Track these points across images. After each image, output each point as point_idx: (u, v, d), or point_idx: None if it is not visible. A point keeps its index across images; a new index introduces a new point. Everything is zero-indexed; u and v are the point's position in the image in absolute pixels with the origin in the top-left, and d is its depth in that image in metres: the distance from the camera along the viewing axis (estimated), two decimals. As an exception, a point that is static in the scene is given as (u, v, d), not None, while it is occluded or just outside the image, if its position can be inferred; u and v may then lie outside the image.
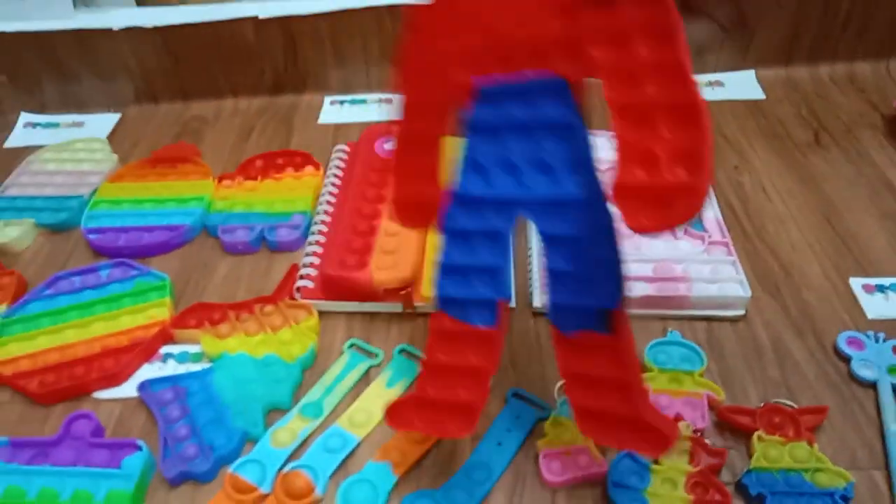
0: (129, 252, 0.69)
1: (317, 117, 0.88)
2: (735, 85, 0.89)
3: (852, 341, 0.57)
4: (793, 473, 0.49)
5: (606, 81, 0.36)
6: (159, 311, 0.62)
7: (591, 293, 0.38)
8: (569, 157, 0.38)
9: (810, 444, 0.50)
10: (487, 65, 0.39)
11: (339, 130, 0.86)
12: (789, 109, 0.85)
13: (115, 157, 0.81)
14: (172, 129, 0.89)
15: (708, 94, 0.88)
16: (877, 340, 0.57)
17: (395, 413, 0.47)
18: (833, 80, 0.89)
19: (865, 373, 0.55)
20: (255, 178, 0.75)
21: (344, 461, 0.52)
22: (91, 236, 0.70)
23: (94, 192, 0.76)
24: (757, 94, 0.88)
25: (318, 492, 0.50)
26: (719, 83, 0.89)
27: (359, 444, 0.53)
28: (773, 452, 0.50)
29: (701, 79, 0.90)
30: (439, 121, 0.42)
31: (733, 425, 0.52)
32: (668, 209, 0.34)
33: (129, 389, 0.58)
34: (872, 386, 0.55)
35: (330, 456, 0.52)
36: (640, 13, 0.35)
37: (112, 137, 0.88)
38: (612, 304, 0.39)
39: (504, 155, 0.40)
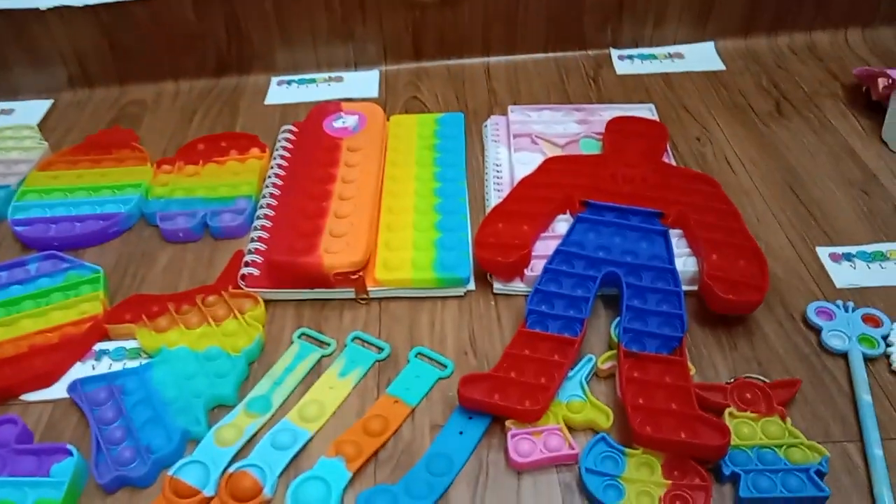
0: (59, 244, 0.64)
1: (263, 98, 0.84)
2: (695, 57, 0.87)
3: (822, 311, 0.56)
4: (766, 450, 0.47)
5: (697, 227, 0.59)
6: (92, 306, 0.58)
7: (667, 326, 0.53)
8: (650, 249, 0.58)
9: (783, 418, 0.48)
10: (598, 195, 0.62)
11: (287, 111, 0.81)
12: (750, 80, 0.83)
13: (45, 144, 0.76)
14: (109, 114, 0.83)
15: (668, 65, 0.86)
16: (846, 310, 0.56)
17: (469, 388, 0.49)
18: (792, 50, 0.88)
19: (836, 343, 0.53)
20: (196, 163, 0.71)
21: (294, 458, 0.48)
22: (18, 228, 0.65)
23: (23, 181, 0.71)
24: (717, 65, 0.86)
25: (266, 492, 0.46)
26: (679, 55, 0.87)
27: (310, 440, 0.49)
28: (745, 430, 0.48)
29: (660, 51, 0.88)
30: (551, 212, 0.62)
31: (704, 403, 0.49)
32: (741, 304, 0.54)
33: (60, 390, 0.53)
34: (843, 356, 0.53)
35: (279, 453, 0.48)
36: (706, 198, 0.62)
37: (43, 124, 0.82)
38: (680, 333, 0.52)
39: (599, 240, 0.59)
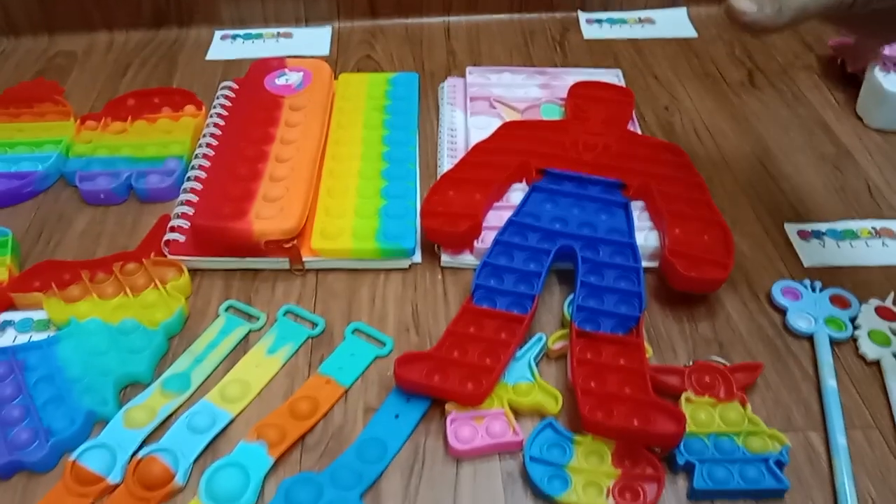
0: (-33, 204, 0.58)
1: (205, 54, 0.78)
2: (666, 23, 0.83)
3: (788, 291, 0.52)
4: (724, 438, 0.43)
5: (660, 199, 0.55)
6: (-3, 273, 0.52)
7: (624, 304, 0.49)
8: (609, 222, 0.54)
9: (742, 404, 0.45)
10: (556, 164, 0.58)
11: (229, 67, 0.76)
12: (722, 49, 0.79)
13: (-39, 97, 0.69)
14: (35, 66, 0.77)
15: (638, 31, 0.81)
16: (814, 290, 0.53)
17: (406, 368, 0.45)
18: (767, 19, 0.84)
19: (801, 324, 0.50)
20: (125, 120, 0.65)
21: (212, 442, 0.44)
22: (-79, 187, 0.59)
23: (-71, 136, 0.64)
24: (689, 32, 0.82)
25: (178, 480, 0.42)
26: (650, 20, 0.83)
27: (231, 422, 0.45)
28: (702, 416, 0.44)
29: (630, 15, 0.84)
30: (506, 180, 0.58)
31: (660, 387, 0.46)
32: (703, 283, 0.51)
33: (-46, 365, 0.48)
34: (809, 339, 0.50)
35: (195, 437, 0.44)
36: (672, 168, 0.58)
37: (-37, 76, 0.75)
38: (637, 312, 0.48)
39: (555, 211, 0.55)
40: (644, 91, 0.73)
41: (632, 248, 0.52)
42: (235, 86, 0.67)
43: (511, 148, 0.59)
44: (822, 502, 0.42)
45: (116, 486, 0.42)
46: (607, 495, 0.41)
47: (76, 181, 0.60)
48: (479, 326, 0.47)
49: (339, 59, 0.77)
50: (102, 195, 0.59)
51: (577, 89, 0.66)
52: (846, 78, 0.74)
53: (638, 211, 0.56)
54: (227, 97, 0.66)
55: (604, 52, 0.79)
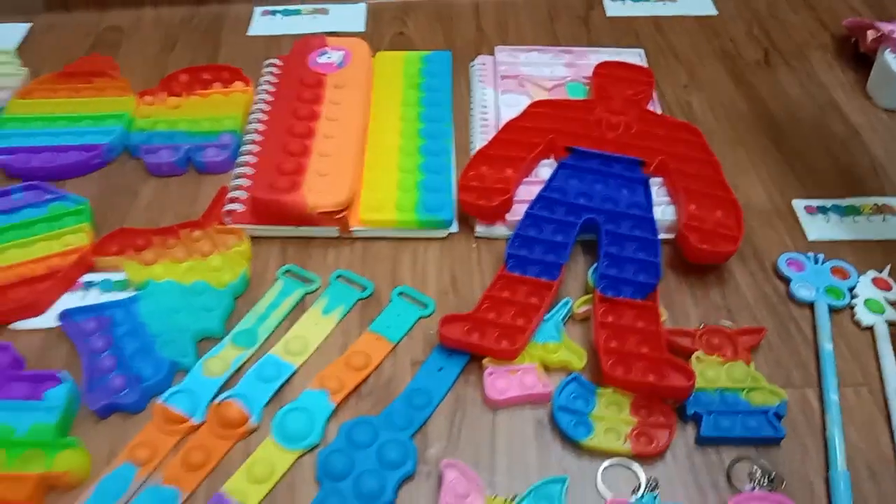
0: (42, 174, 0.63)
1: (246, 29, 0.82)
2: (688, 0, 0.86)
3: (792, 262, 0.58)
4: (729, 392, 0.49)
5: (677, 176, 0.60)
6: (77, 238, 0.58)
7: (643, 273, 0.54)
8: (630, 197, 0.59)
9: (747, 363, 0.51)
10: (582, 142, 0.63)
11: (270, 43, 0.80)
12: (741, 27, 0.83)
13: (24, 70, 0.74)
14: (86, 40, 0.81)
15: (659, 8, 0.85)
16: (816, 262, 0.58)
17: (448, 328, 0.50)
18: (785, -4, 0.87)
19: (804, 293, 0.55)
20: (179, 95, 0.70)
21: (279, 390, 0.50)
22: (0, 157, 0.64)
23: (2, 109, 0.70)
24: (709, 10, 0.85)
25: (252, 420, 0.48)
26: (671, -3, 0.86)
27: (294, 373, 0.51)
28: (710, 373, 0.50)
29: (653, -7, 0.87)
30: (535, 157, 0.63)
31: (674, 347, 0.52)
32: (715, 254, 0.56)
33: (48, 320, 0.54)
34: (810, 306, 0.55)
35: (264, 385, 0.50)
36: (688, 147, 0.63)
37: (21, 49, 0.80)
38: (654, 280, 0.54)
39: (581, 186, 0.60)
40: (664, 69, 0.77)
41: (650, 221, 0.57)
42: (280, 63, 0.72)
43: (540, 126, 0.64)
44: (814, 450, 0.48)
45: (199, 425, 0.48)
46: (625, 440, 0.47)
47: (140, 154, 0.65)
48: (513, 291, 0.53)
49: (374, 36, 0.81)
50: (165, 167, 0.64)
51: (601, 69, 0.70)
52: (858, 57, 0.77)
53: (656, 187, 0.61)
54: (272, 74, 0.71)
55: (626, 30, 0.82)
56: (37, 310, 0.55)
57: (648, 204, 0.59)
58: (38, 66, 0.77)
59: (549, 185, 0.60)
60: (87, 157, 0.65)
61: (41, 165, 0.64)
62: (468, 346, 0.51)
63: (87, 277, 0.57)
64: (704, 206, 0.58)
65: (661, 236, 0.57)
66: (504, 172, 0.60)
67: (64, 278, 0.56)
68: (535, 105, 0.66)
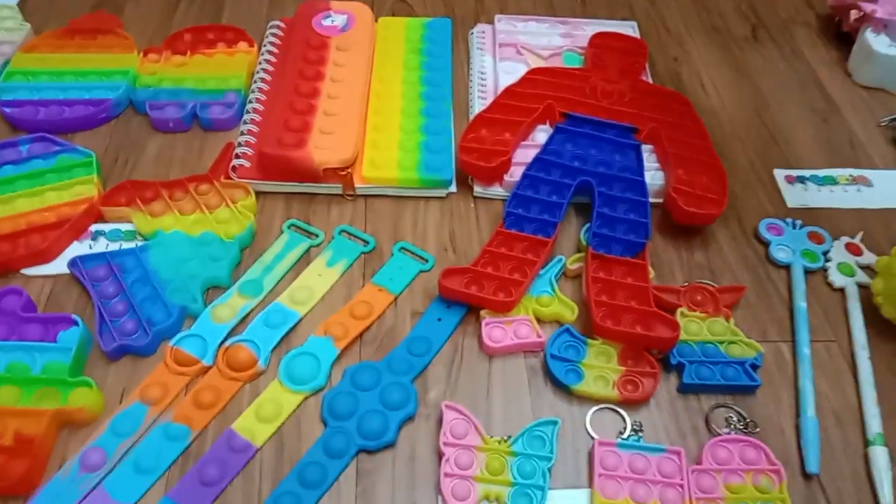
0: (49, 127, 0.65)
1: (250, -10, 0.83)
2: (680, -24, 0.88)
3: (772, 227, 0.61)
4: (710, 345, 0.53)
5: (667, 143, 0.63)
6: (86, 189, 0.60)
7: (633, 232, 0.57)
8: (623, 161, 0.62)
9: (727, 319, 0.54)
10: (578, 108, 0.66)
11: (273, 5, 0.81)
12: (730, 3, 0.85)
13: (27, 25, 0.75)
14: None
15: (652, -16, 0.87)
16: (794, 227, 0.61)
17: (449, 280, 0.53)
18: (775, -26, 0.89)
19: (781, 256, 0.59)
20: (183, 53, 0.71)
21: (285, 336, 0.53)
22: (7, 109, 0.65)
23: (7, 62, 0.70)
24: (701, -15, 0.87)
25: (260, 364, 0.51)
26: (664, -27, 0.88)
27: (300, 321, 0.54)
28: (693, 327, 0.53)
29: (646, -32, 0.89)
30: (533, 122, 0.65)
31: (660, 303, 0.55)
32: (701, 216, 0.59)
33: (59, 266, 0.56)
34: (787, 268, 0.59)
35: (271, 331, 0.53)
36: (678, 116, 0.66)
37: (23, 5, 0.80)
38: (643, 240, 0.57)
39: (576, 150, 0.62)
40: (656, 42, 0.79)
41: (641, 184, 0.60)
42: (283, 25, 0.73)
43: (537, 93, 0.66)
44: (787, 398, 0.51)
45: (209, 368, 0.51)
46: (613, 387, 0.50)
47: (146, 109, 0.66)
48: (510, 247, 0.56)
49: (377, 2, 0.82)
50: (171, 123, 0.66)
51: (597, 39, 0.73)
52: (840, 36, 0.80)
53: (647, 153, 0.64)
54: (276, 36, 0.72)
55: (621, 2, 0.84)
56: (48, 256, 0.56)
57: (640, 168, 0.61)
58: (40, 22, 0.77)
59: (546, 148, 0.62)
60: (94, 111, 0.66)
61: (49, 118, 0.65)
62: (467, 297, 0.53)
63: (95, 227, 0.59)
64: (692, 171, 0.61)
65: (651, 200, 0.60)
66: (502, 135, 0.62)
67: (74, 226, 0.57)
68: (533, 72, 0.69)
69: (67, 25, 0.74)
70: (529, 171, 0.60)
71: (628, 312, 0.52)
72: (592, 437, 0.48)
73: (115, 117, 0.68)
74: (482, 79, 0.71)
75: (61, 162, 0.62)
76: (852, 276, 0.58)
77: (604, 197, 0.59)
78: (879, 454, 0.48)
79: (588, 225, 0.58)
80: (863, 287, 0.57)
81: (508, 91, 0.66)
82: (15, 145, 0.63)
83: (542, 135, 0.65)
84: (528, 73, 0.68)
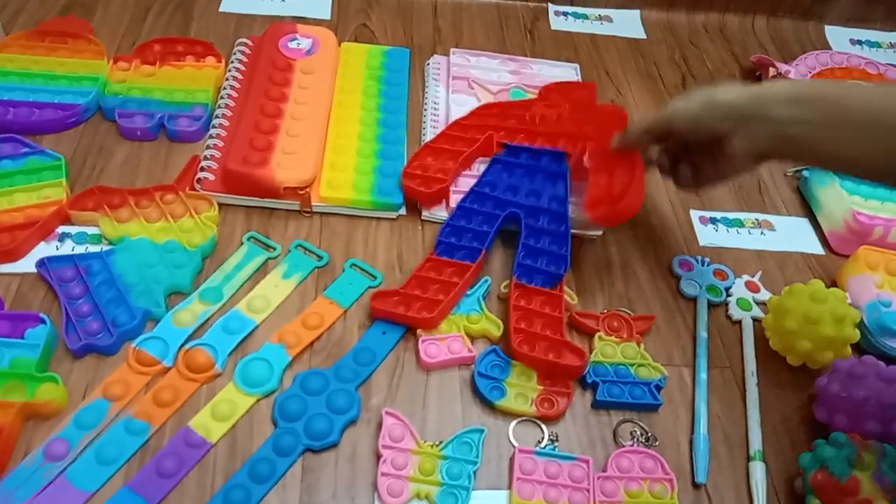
0: (19, 128, 0.67)
1: (218, 4, 0.87)
2: (622, 22, 0.96)
3: (683, 263, 0.69)
4: (622, 367, 0.60)
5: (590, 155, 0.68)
6: (54, 192, 0.63)
7: (553, 264, 0.62)
8: (552, 191, 0.67)
9: (638, 344, 0.61)
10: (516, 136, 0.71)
11: (241, 22, 0.85)
12: (664, 52, 0.93)
13: (-4, 23, 0.77)
14: (59, 1, 0.84)
15: (597, 27, 0.94)
16: (702, 264, 0.69)
17: (378, 301, 0.59)
18: (706, 28, 0.98)
19: (689, 290, 0.67)
20: (153, 64, 0.74)
21: (242, 342, 0.57)
22: (-25, 108, 0.68)
23: (-26, 61, 0.72)
24: (640, 33, 0.95)
25: (218, 367, 0.55)
26: (608, 18, 0.96)
27: (256, 328, 0.58)
28: (608, 350, 0.60)
29: (592, 12, 0.96)
30: (474, 152, 0.71)
31: (581, 327, 0.62)
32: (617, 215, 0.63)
33: (26, 265, 0.59)
34: (693, 300, 0.66)
35: (229, 336, 0.57)
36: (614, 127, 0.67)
37: (-10, 2, 0.82)
38: (562, 272, 0.62)
39: (510, 180, 0.68)
40: (596, 83, 0.86)
41: (564, 217, 0.65)
42: (251, 43, 0.78)
43: (482, 124, 0.71)
44: (684, 416, 0.59)
45: (169, 368, 0.55)
46: (531, 404, 0.57)
47: (115, 117, 0.70)
48: (438, 272, 0.61)
49: (340, 26, 0.87)
50: (139, 132, 0.69)
51: (547, 91, 0.77)
52: (760, 90, 0.89)
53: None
54: (244, 53, 0.76)
55: (566, 43, 0.91)
56: (15, 255, 0.59)
57: (566, 198, 0.66)
58: (10, 23, 0.79)
59: (482, 179, 0.67)
60: (64, 115, 0.69)
61: (18, 120, 0.68)
62: (395, 317, 0.59)
63: (62, 229, 0.62)
64: (614, 173, 0.63)
65: (579, 232, 0.66)
66: (445, 164, 0.68)
67: (42, 228, 0.60)
68: (483, 107, 0.74)
69: (36, 27, 0.76)
70: (464, 203, 0.66)
71: (543, 340, 0.58)
72: (514, 445, 0.55)
73: (83, 122, 0.71)
74: (435, 109, 0.77)
75: (31, 164, 0.64)
76: (749, 310, 0.66)
77: (529, 229, 0.64)
78: (758, 468, 0.56)
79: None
80: (757, 321, 0.65)
81: (456, 123, 0.72)
82: (-17, 145, 0.65)
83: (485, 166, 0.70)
84: (479, 107, 0.74)
